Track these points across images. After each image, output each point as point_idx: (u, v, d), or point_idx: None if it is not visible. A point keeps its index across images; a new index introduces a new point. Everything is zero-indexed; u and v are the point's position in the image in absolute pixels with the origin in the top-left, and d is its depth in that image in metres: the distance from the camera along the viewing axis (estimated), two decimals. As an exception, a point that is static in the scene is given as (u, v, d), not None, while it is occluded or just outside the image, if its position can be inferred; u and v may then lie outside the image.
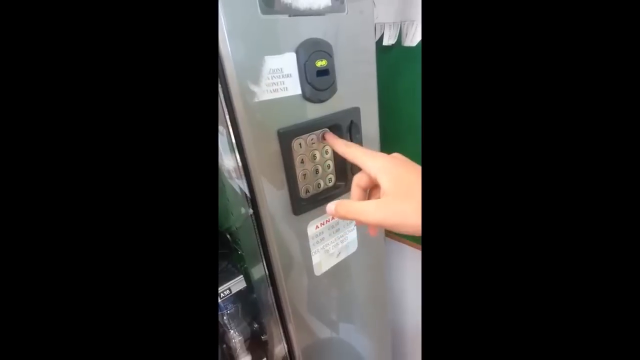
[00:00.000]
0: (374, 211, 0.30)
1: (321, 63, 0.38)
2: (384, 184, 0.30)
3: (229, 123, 0.36)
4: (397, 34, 0.62)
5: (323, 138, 0.42)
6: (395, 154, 0.34)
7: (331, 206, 0.34)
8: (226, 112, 0.35)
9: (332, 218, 0.49)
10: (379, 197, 0.31)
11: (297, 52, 0.37)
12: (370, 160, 0.33)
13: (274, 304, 0.51)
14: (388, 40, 0.63)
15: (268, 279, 0.47)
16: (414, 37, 0.59)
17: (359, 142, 0.47)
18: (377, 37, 0.64)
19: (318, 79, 0.39)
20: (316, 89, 0.39)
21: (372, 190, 0.36)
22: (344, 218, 0.33)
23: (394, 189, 0.29)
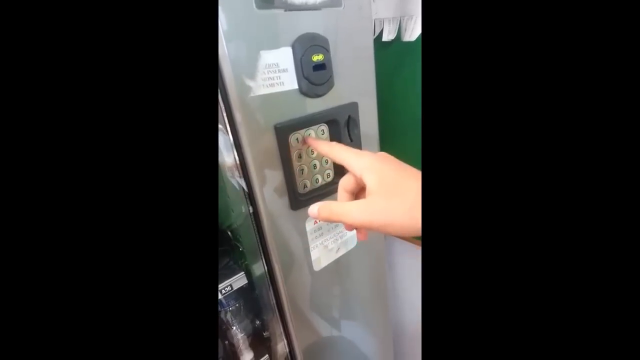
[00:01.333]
0: (359, 211, 0.28)
1: (317, 57, 0.38)
2: (369, 182, 0.29)
3: (226, 119, 0.36)
4: (397, 29, 0.61)
5: (304, 143, 0.41)
6: (382, 153, 0.32)
7: (314, 208, 0.32)
8: (223, 108, 0.35)
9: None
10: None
11: (293, 47, 0.37)
12: (355, 159, 0.31)
13: (274, 301, 0.51)
14: (387, 36, 0.62)
15: (267, 275, 0.48)
16: (413, 31, 0.58)
17: (357, 138, 0.46)
18: (377, 33, 0.64)
19: (314, 73, 0.39)
20: (313, 84, 0.39)
21: (359, 194, 0.34)
22: (327, 220, 0.32)
23: (379, 187, 0.28)
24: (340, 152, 0.33)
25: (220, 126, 0.37)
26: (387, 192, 0.28)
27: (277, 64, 0.36)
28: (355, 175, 0.32)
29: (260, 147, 0.38)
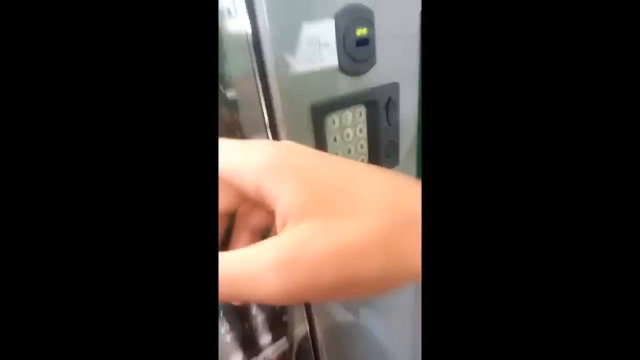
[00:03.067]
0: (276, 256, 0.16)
1: (362, 31, 0.35)
2: (284, 197, 0.16)
3: (261, 97, 0.34)
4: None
5: None
6: (286, 142, 0.21)
7: None
8: (260, 87, 0.33)
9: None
10: None
11: (336, 19, 0.33)
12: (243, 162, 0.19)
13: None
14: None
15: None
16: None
17: (396, 122, 0.43)
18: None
19: (357, 49, 0.35)
20: (354, 60, 0.36)
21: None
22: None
23: (308, 201, 0.16)
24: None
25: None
26: (326, 208, 0.15)
27: (318, 37, 0.33)
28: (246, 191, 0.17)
29: (294, 128, 0.35)
